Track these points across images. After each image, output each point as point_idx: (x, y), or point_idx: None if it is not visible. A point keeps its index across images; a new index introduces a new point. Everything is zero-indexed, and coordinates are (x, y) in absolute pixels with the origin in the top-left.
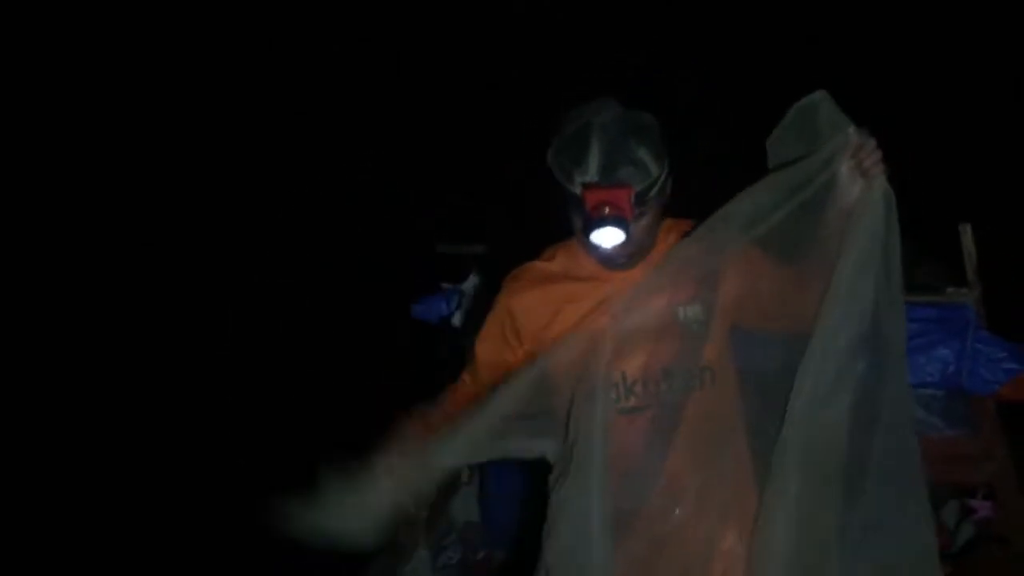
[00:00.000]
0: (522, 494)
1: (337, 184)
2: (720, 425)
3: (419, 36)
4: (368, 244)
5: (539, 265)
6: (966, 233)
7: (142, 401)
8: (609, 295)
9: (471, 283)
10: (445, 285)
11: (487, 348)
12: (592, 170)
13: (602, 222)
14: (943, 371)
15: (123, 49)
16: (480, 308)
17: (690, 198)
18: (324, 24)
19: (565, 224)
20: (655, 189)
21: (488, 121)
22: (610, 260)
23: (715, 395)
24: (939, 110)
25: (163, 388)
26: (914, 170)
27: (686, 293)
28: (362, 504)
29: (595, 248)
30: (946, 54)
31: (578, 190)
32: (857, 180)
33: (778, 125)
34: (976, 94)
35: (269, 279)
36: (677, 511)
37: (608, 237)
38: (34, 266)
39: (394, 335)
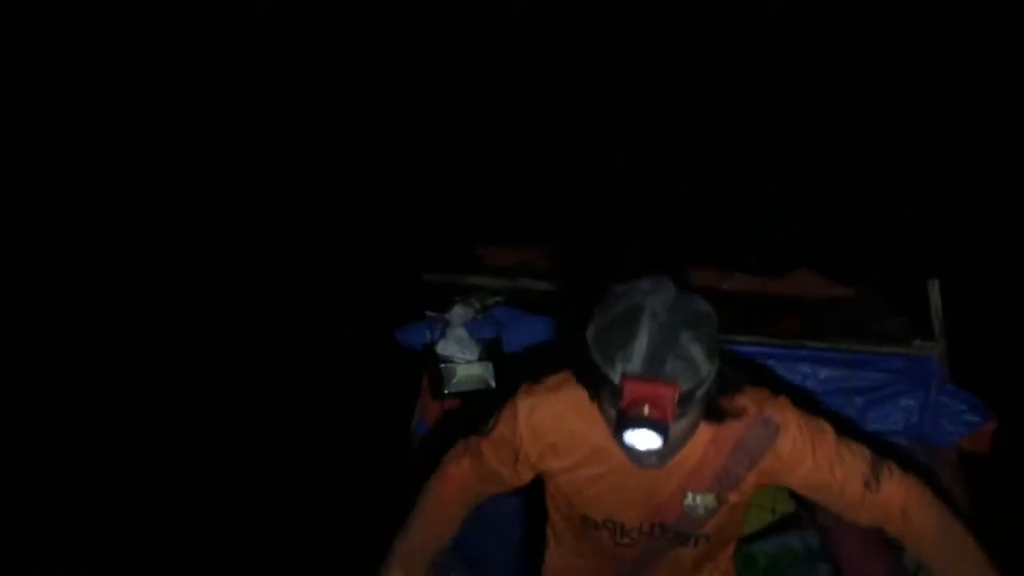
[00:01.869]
0: (495, 517)
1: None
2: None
3: (412, 58)
4: (354, 271)
5: (562, 407)
6: (934, 288)
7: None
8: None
9: (456, 312)
10: (429, 313)
11: (493, 455)
12: (637, 360)
13: (639, 423)
14: (907, 420)
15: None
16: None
17: None
18: (315, 33)
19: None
20: (702, 389)
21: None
22: (638, 460)
23: (707, 548)
24: (909, 167)
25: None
26: (885, 228)
27: (702, 484)
28: None
29: (625, 446)
30: (911, 106)
31: (617, 379)
32: None
33: None
34: (944, 151)
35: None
36: None
37: (643, 440)
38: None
39: (377, 362)
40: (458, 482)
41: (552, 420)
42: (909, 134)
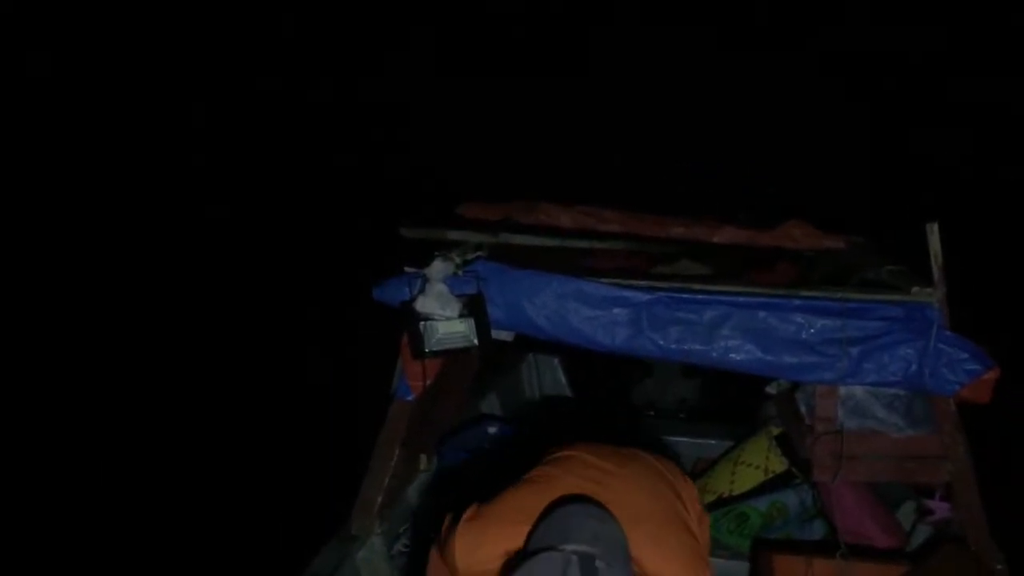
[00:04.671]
0: (479, 484)
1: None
2: None
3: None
4: (333, 228)
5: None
6: (933, 233)
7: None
8: None
9: (435, 267)
10: (408, 269)
11: None
12: None
13: None
14: (906, 370)
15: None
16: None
17: None
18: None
19: None
20: None
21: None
22: None
23: None
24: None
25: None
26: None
27: None
28: None
29: None
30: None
31: None
32: None
33: None
34: (943, 92)
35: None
36: None
37: None
38: None
39: (356, 317)
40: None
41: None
42: (902, 77)
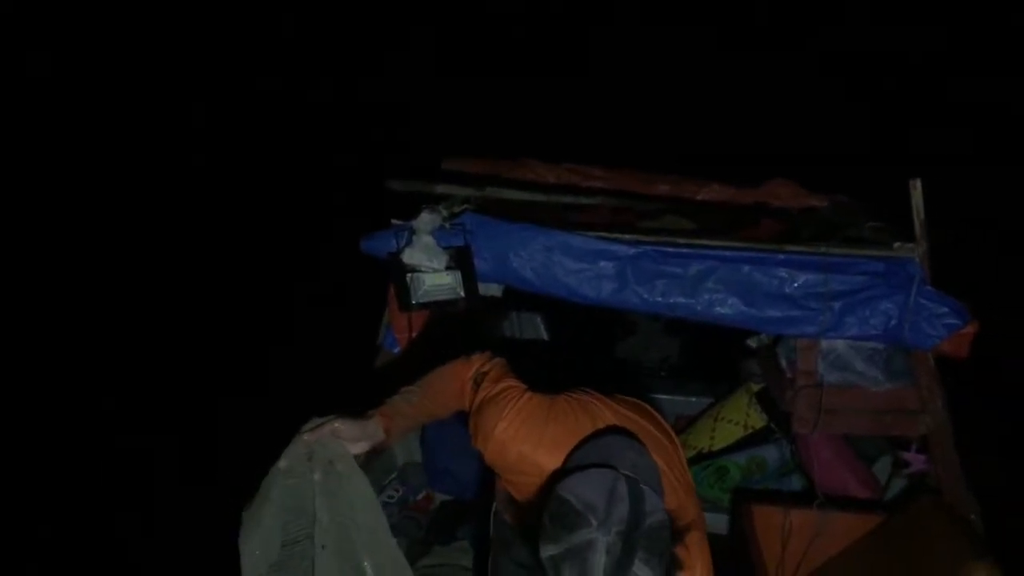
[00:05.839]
0: (462, 439)
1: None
2: None
3: None
4: (319, 180)
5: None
6: (915, 189)
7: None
8: None
9: (422, 220)
10: (395, 221)
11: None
12: None
13: None
14: (886, 324)
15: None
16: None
17: None
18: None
19: None
20: None
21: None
22: None
23: None
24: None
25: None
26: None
27: None
28: None
29: None
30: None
31: None
32: None
33: None
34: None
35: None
36: None
37: None
38: None
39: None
40: (456, 389)
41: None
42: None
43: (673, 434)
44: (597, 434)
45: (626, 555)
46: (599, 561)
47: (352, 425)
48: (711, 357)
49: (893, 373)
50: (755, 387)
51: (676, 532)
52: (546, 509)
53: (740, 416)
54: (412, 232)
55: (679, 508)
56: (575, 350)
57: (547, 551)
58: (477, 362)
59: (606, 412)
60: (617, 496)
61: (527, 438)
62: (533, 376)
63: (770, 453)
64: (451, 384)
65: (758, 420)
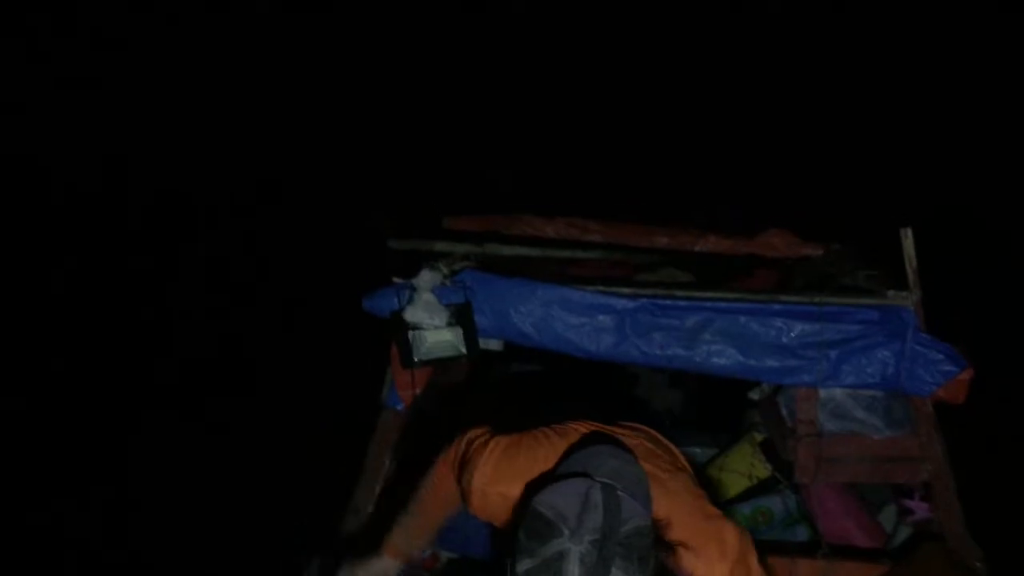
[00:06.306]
0: None
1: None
2: None
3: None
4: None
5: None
6: (907, 238)
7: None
8: None
9: (423, 277)
10: (397, 279)
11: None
12: None
13: None
14: (883, 372)
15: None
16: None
17: None
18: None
19: None
20: None
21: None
22: None
23: None
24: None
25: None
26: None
27: None
28: None
29: None
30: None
31: None
32: None
33: None
34: (920, 102)
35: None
36: None
37: None
38: None
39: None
40: (447, 489)
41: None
42: (874, 88)
43: (676, 451)
44: (580, 445)
45: (602, 564)
46: (573, 571)
47: (366, 571)
48: (714, 408)
49: (893, 420)
50: (759, 437)
51: (665, 541)
52: (521, 524)
53: (745, 467)
54: (413, 290)
55: (671, 518)
56: (576, 400)
57: (522, 566)
58: (453, 451)
59: (587, 431)
60: (590, 504)
61: (502, 478)
62: (533, 420)
63: (775, 503)
64: (440, 490)
65: (763, 470)
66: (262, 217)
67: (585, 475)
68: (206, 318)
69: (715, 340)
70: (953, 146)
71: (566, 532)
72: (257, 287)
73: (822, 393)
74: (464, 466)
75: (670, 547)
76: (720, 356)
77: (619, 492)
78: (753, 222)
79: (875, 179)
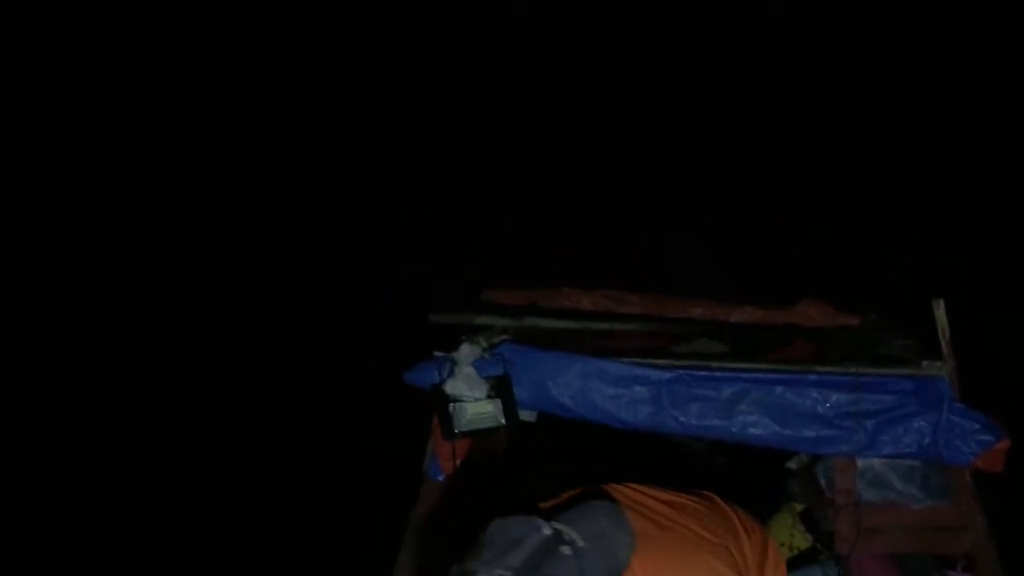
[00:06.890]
0: None
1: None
2: None
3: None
4: (363, 312)
5: None
6: (939, 308)
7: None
8: None
9: (463, 351)
10: (437, 353)
11: None
12: None
13: None
14: (920, 442)
15: None
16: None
17: None
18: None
19: None
20: None
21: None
22: None
23: None
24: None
25: None
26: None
27: None
28: None
29: None
30: (906, 124)
31: None
32: None
33: None
34: (945, 170)
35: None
36: None
37: None
38: None
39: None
40: None
41: None
42: (903, 155)
43: (744, 517)
44: (582, 497)
45: None
46: None
47: None
48: (753, 478)
49: (932, 490)
50: (798, 507)
51: None
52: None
53: (785, 537)
54: (453, 363)
55: None
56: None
57: (452, 570)
58: None
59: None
60: (523, 544)
61: None
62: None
63: (817, 574)
64: None
65: (803, 541)
66: (304, 291)
67: (542, 519)
68: (248, 389)
69: (751, 411)
70: (964, 152)
71: (485, 557)
72: (303, 361)
73: (860, 463)
74: None
75: None
76: (756, 426)
77: (562, 547)
78: (784, 288)
79: (904, 244)
